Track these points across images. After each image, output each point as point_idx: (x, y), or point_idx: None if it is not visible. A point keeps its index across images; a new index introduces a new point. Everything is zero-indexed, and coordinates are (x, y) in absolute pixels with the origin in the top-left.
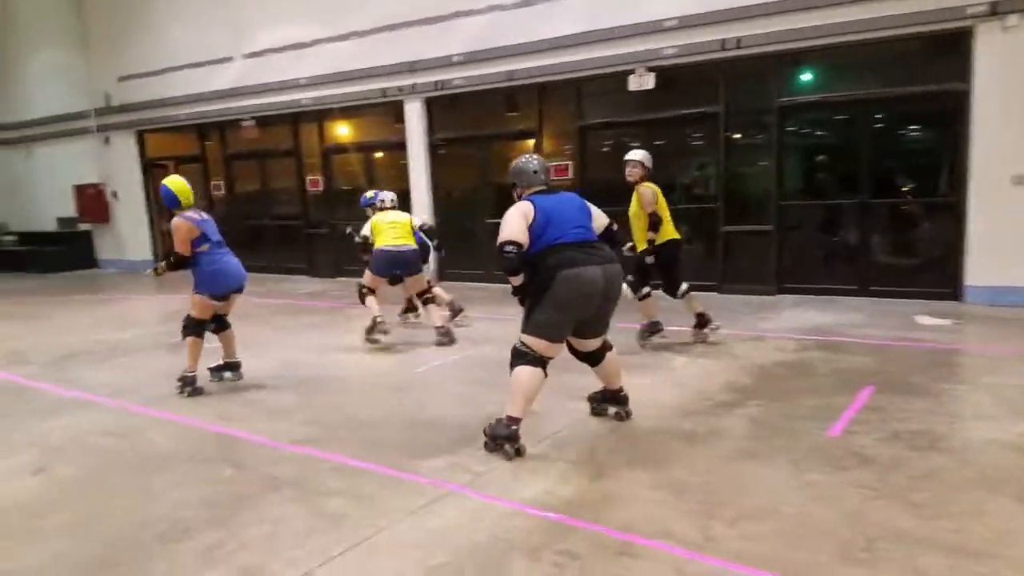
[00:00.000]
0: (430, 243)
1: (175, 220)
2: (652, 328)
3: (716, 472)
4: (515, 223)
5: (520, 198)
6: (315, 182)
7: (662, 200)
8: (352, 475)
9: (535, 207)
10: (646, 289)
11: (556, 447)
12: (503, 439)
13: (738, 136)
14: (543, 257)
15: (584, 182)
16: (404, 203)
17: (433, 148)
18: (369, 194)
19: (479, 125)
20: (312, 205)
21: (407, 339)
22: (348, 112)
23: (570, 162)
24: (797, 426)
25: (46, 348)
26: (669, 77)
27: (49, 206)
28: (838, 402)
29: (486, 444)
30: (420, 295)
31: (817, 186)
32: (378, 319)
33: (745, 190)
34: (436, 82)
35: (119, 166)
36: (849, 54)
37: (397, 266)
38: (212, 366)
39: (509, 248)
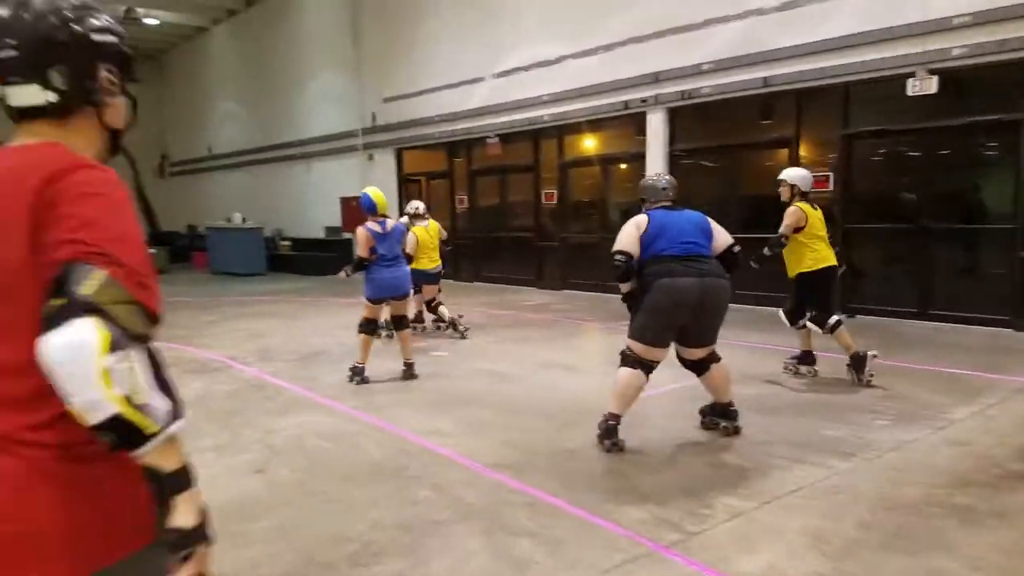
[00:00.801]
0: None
1: (358, 229)
2: (801, 359)
3: (996, 567)
4: (627, 234)
5: (644, 211)
6: (550, 196)
7: (815, 224)
8: (545, 513)
9: (649, 219)
10: (801, 322)
11: (791, 510)
12: (601, 434)
13: None
14: (647, 265)
15: (848, 195)
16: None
17: (673, 159)
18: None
19: (726, 135)
20: (546, 218)
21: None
22: (588, 126)
23: (831, 173)
24: None
25: (294, 347)
26: (956, 80)
27: (319, 215)
28: None
29: (598, 435)
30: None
31: None
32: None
33: None
34: (682, 92)
35: (379, 181)
36: None
37: (428, 280)
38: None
39: (618, 258)
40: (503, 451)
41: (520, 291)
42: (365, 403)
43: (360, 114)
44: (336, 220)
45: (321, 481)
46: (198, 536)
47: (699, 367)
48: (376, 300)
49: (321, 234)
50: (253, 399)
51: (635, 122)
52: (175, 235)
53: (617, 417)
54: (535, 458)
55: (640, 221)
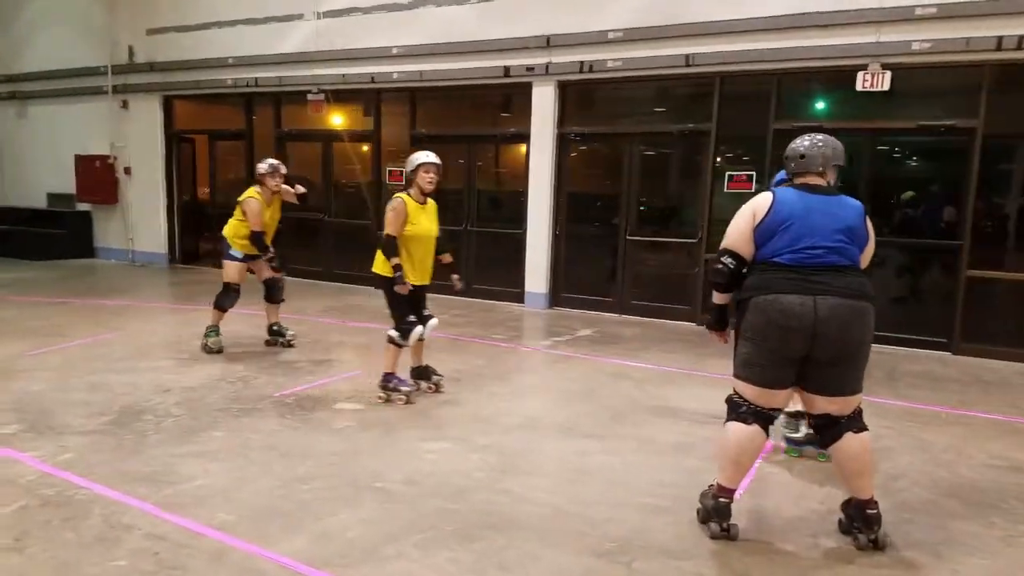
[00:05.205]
0: None
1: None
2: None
3: None
4: (738, 223)
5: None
6: (395, 175)
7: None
8: None
9: (773, 204)
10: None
11: None
12: (708, 513)
13: None
14: (750, 271)
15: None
16: (522, 205)
17: (562, 143)
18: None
19: (629, 120)
20: (388, 201)
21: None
22: (449, 93)
23: (754, 172)
24: None
25: (83, 397)
26: (909, 78)
27: (40, 178)
28: None
29: (698, 512)
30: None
31: None
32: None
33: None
34: (581, 63)
35: (137, 136)
36: None
37: None
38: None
39: (725, 261)
40: None
41: (357, 291)
42: (314, 539)
43: (110, 46)
44: (67, 186)
45: None
46: None
47: (826, 430)
48: None
49: (42, 203)
50: (61, 538)
51: (512, 95)
52: None
53: (729, 492)
54: None
55: (760, 205)
